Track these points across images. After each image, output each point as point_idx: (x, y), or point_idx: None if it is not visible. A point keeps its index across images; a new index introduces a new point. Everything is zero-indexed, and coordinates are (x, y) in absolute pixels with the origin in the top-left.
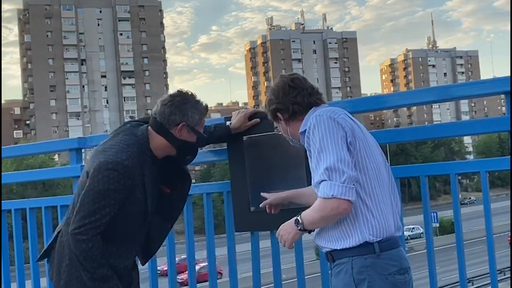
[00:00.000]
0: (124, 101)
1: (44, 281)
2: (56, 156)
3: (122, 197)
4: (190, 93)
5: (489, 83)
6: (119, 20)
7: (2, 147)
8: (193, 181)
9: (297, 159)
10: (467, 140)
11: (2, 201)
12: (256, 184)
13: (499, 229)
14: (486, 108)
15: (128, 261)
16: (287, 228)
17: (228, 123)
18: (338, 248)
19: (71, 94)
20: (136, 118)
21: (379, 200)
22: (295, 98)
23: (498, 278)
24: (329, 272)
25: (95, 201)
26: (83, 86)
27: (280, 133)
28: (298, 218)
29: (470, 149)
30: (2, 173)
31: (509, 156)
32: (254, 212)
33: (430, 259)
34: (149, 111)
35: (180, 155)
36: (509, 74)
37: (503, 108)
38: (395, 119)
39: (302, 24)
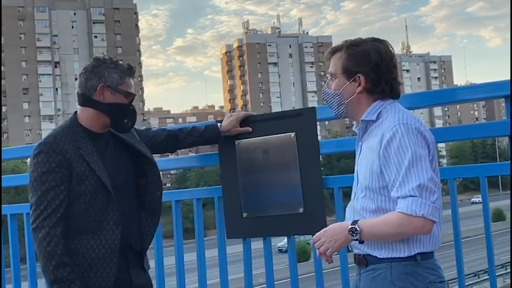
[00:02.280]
0: None
1: (24, 286)
2: (28, 160)
3: (62, 176)
4: (107, 57)
5: (491, 86)
6: (93, 23)
7: None
8: (168, 185)
9: (291, 163)
10: (441, 144)
11: None
12: (248, 189)
13: (472, 232)
14: (459, 113)
15: (107, 245)
16: (333, 235)
17: (219, 124)
18: (379, 256)
19: (44, 97)
20: None
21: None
22: (393, 81)
23: (478, 280)
24: (358, 275)
25: (36, 189)
26: (57, 89)
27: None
28: (356, 226)
29: (444, 153)
30: None
31: (509, 162)
32: (246, 218)
33: None
34: None
35: (115, 121)
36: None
37: (476, 113)
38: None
39: (278, 28)
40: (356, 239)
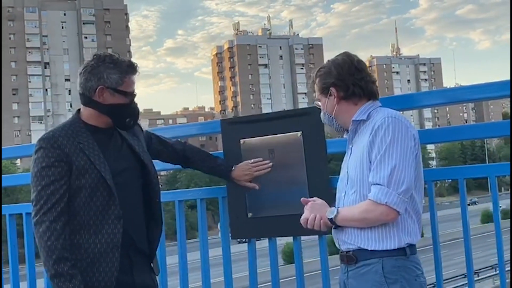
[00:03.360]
0: None
1: (23, 286)
2: (18, 161)
3: (61, 170)
4: (107, 54)
5: (497, 86)
6: (83, 23)
7: None
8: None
9: (297, 162)
10: (430, 146)
11: None
12: (253, 189)
13: (459, 234)
14: (448, 115)
15: (109, 239)
16: (317, 211)
17: (233, 167)
18: (369, 249)
19: (34, 97)
20: None
21: (418, 209)
22: (359, 81)
23: (466, 282)
24: (345, 274)
25: (37, 184)
26: (46, 90)
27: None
28: (334, 209)
29: (433, 155)
30: None
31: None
32: (251, 218)
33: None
34: None
35: (117, 121)
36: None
37: (465, 115)
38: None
39: (269, 29)
40: (330, 219)
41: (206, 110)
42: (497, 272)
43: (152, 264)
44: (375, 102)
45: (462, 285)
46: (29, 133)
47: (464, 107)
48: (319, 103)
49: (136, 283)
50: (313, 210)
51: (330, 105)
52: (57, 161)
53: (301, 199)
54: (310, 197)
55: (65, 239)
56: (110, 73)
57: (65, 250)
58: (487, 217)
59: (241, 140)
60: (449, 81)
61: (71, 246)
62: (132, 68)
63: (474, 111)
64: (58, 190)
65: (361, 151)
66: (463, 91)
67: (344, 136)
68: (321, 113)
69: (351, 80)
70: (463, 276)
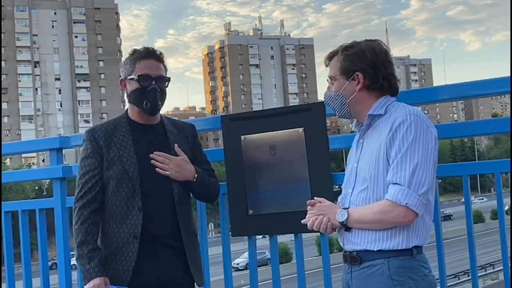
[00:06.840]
0: (79, 104)
1: (20, 284)
2: (8, 160)
3: (95, 161)
4: (137, 48)
5: (502, 82)
6: (74, 22)
7: None
8: None
9: (299, 159)
10: None
11: None
12: (254, 185)
13: (452, 233)
14: (438, 116)
15: (131, 230)
16: (325, 213)
17: None
18: (375, 250)
19: (23, 97)
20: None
21: (432, 210)
22: (390, 76)
23: (458, 281)
24: (348, 274)
25: (78, 173)
26: (36, 89)
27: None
28: (344, 211)
29: None
30: None
31: None
32: (252, 215)
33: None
34: (104, 115)
35: (138, 107)
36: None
37: (455, 116)
38: (350, 125)
39: (260, 30)
40: (342, 223)
41: (197, 110)
42: (487, 272)
43: (189, 262)
44: (390, 98)
45: (453, 285)
46: (19, 133)
47: (454, 107)
48: (331, 81)
49: (160, 274)
50: (321, 211)
51: (349, 89)
52: (92, 153)
53: (307, 201)
54: (312, 195)
55: (91, 224)
56: (126, 64)
57: (88, 234)
58: (477, 218)
59: (242, 137)
60: (439, 82)
61: (102, 234)
62: (143, 54)
63: (464, 111)
64: (91, 180)
65: (376, 147)
66: (488, 83)
67: (351, 125)
68: (329, 93)
69: (383, 72)
70: (453, 276)
